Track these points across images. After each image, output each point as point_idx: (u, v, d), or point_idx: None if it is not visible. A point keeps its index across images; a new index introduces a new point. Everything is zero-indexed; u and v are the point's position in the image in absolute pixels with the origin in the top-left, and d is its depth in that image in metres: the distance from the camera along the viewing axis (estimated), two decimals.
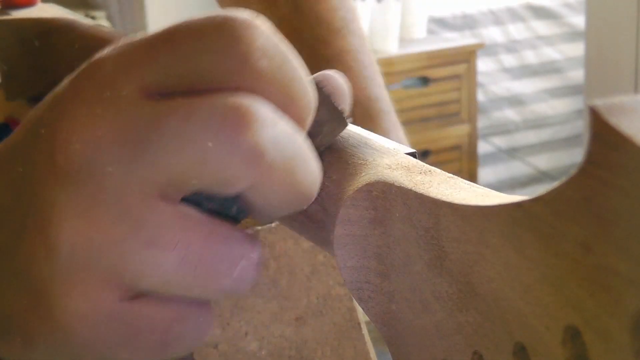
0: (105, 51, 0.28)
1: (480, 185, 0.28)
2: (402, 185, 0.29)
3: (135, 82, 0.27)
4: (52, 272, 0.26)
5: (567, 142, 3.09)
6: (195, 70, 0.27)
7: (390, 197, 0.29)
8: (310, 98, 0.29)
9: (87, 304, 0.27)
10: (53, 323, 0.27)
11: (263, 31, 0.27)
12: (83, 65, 0.28)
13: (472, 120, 2.73)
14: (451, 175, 0.29)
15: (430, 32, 2.88)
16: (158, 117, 0.26)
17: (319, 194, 0.32)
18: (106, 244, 0.26)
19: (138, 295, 0.28)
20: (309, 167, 0.28)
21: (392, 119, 0.62)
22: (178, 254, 0.27)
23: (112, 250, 0.26)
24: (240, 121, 0.26)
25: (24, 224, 0.27)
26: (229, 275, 0.28)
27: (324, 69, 0.61)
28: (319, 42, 0.62)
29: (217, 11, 0.27)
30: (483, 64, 2.92)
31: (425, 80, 2.64)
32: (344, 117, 0.32)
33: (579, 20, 2.99)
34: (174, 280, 0.27)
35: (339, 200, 0.31)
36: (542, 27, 3.08)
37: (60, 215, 0.26)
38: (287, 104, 0.28)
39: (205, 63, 0.27)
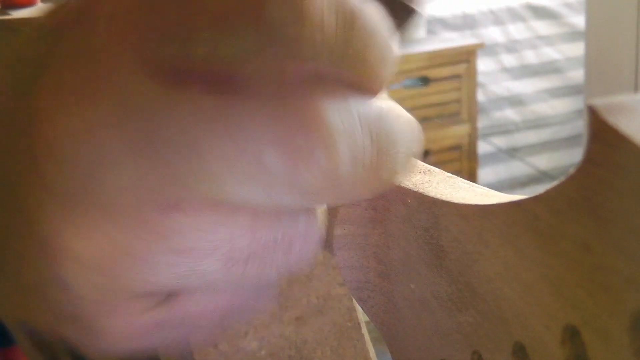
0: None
1: (480, 185, 0.28)
2: (402, 184, 0.29)
3: (133, 53, 0.20)
4: (78, 302, 0.22)
5: (567, 142, 3.09)
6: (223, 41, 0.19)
7: (389, 196, 0.29)
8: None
9: (121, 321, 0.23)
10: (97, 343, 0.23)
11: None
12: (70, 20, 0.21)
13: (472, 120, 2.73)
14: (450, 174, 0.29)
15: (430, 32, 2.88)
16: (185, 117, 0.19)
17: None
18: (124, 262, 0.21)
19: (178, 294, 0.23)
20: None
21: None
22: (222, 255, 0.22)
23: (132, 268, 0.21)
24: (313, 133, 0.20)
25: (8, 235, 0.22)
26: (286, 261, 0.23)
27: None
28: None
29: None
30: (483, 64, 2.92)
31: (425, 80, 2.64)
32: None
33: (579, 20, 2.99)
34: (221, 280, 0.22)
35: None
36: (542, 27, 3.08)
37: (57, 236, 0.21)
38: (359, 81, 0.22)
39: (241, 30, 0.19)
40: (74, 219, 0.21)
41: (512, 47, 3.04)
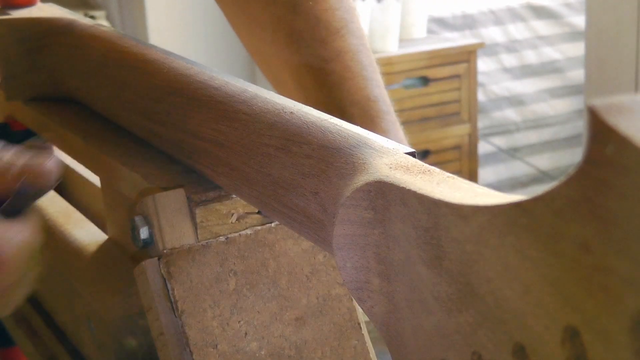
0: None
1: (480, 185, 0.28)
2: (402, 185, 0.29)
3: None
4: None
5: (568, 142, 3.09)
6: None
7: (389, 197, 0.29)
8: None
9: None
10: None
11: None
12: None
13: (472, 120, 2.73)
14: (450, 174, 0.29)
15: (430, 32, 2.88)
16: None
17: (319, 194, 0.32)
18: None
19: None
20: None
21: (391, 118, 0.62)
22: None
23: None
24: None
25: None
26: None
27: (323, 70, 0.61)
28: (317, 43, 0.62)
29: None
30: (483, 64, 2.92)
31: (425, 80, 2.64)
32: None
33: (579, 20, 2.99)
34: None
35: (338, 200, 0.31)
36: (542, 27, 3.08)
37: None
38: None
39: None
40: None
41: (512, 47, 3.04)
